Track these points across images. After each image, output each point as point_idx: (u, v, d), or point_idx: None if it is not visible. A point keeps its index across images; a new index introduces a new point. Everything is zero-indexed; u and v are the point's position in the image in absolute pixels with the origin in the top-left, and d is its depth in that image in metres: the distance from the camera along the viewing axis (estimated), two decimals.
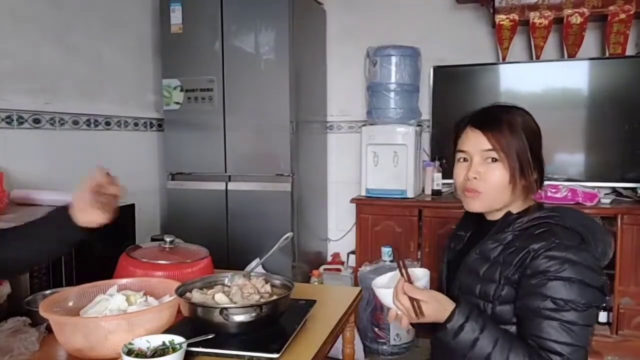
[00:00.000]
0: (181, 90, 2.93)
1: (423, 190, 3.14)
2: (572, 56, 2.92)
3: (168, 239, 1.50)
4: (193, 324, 1.16)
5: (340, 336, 1.45)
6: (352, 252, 3.27)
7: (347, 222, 3.37)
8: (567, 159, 2.96)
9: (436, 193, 3.06)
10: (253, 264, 2.52)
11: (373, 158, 3.01)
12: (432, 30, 3.22)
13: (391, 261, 2.76)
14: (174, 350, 1.00)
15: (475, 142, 1.15)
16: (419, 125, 3.11)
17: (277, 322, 1.19)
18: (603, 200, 2.71)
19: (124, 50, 2.89)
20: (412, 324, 1.08)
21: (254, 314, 1.11)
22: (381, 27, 3.29)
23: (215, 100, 2.88)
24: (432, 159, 3.13)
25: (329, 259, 3.46)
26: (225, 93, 2.87)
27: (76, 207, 1.10)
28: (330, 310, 1.37)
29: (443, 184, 3.06)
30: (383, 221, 2.97)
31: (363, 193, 3.04)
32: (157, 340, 1.03)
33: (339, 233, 3.48)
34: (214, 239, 2.66)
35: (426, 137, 3.24)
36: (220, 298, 1.18)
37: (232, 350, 1.08)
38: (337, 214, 3.50)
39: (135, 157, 2.98)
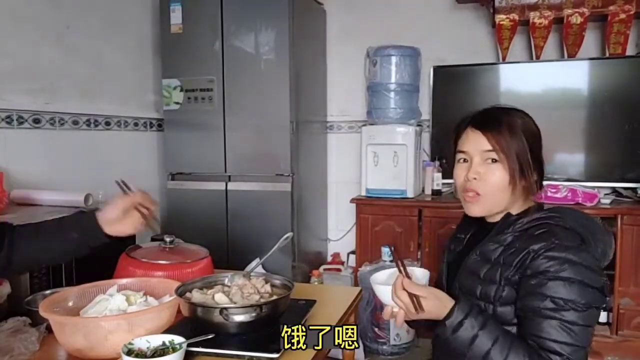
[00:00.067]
0: (181, 90, 2.93)
1: (423, 190, 3.13)
2: (572, 56, 2.92)
3: (168, 239, 1.50)
4: (193, 324, 1.16)
5: None
6: (352, 252, 3.27)
7: (347, 222, 3.37)
8: (567, 159, 2.96)
9: (436, 193, 3.06)
10: (253, 264, 2.52)
11: (373, 158, 3.01)
12: (432, 30, 3.22)
13: (391, 261, 2.76)
14: (174, 350, 1.00)
15: (475, 143, 1.15)
16: (419, 125, 3.11)
17: (277, 322, 1.19)
18: (603, 201, 2.71)
19: (124, 50, 2.89)
20: (408, 323, 1.08)
21: (254, 314, 1.11)
22: (381, 27, 3.29)
23: (215, 100, 2.88)
24: (432, 159, 3.12)
25: (329, 259, 3.46)
26: (225, 93, 2.87)
27: (108, 216, 1.19)
28: (330, 310, 1.37)
29: (443, 184, 3.06)
30: (383, 221, 2.97)
31: (363, 193, 3.04)
32: (157, 340, 1.03)
33: (339, 233, 3.48)
34: (214, 239, 2.66)
35: (426, 137, 3.24)
36: (220, 298, 1.18)
37: (232, 350, 1.08)
38: (337, 214, 3.49)
39: (135, 157, 2.98)
